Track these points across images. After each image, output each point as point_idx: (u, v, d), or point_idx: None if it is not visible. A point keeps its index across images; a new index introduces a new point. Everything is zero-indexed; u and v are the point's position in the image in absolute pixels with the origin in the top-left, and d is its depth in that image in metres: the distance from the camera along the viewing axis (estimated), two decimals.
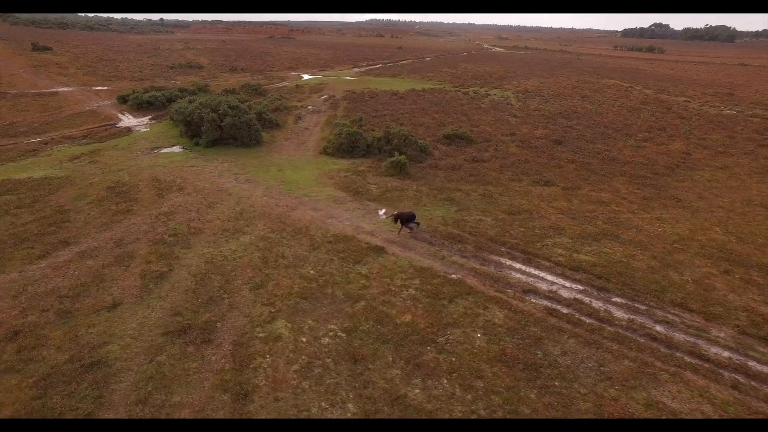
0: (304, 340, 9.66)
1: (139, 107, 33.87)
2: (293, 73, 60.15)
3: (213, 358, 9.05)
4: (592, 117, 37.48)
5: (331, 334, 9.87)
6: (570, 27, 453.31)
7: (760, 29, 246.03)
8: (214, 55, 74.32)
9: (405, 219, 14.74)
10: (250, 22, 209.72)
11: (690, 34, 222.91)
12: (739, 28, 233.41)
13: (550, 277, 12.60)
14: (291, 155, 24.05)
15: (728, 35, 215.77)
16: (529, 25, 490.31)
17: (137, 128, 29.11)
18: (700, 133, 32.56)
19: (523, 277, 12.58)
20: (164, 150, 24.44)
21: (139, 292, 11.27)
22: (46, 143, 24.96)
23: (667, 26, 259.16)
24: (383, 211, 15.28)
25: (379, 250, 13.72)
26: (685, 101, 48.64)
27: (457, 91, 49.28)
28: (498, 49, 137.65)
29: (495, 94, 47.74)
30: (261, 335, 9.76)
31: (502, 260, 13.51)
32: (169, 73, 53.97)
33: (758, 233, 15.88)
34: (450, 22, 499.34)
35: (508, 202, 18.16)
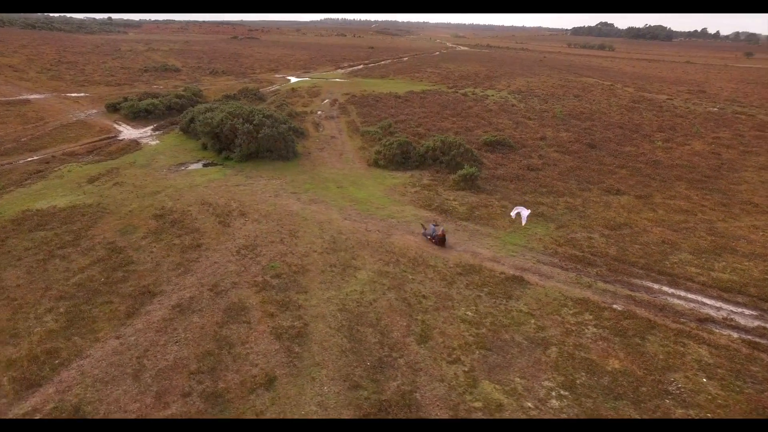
0: (530, 405, 8.16)
1: (136, 116, 30.36)
2: (278, 76, 57.16)
3: None
4: (600, 117, 37.74)
5: (553, 393, 8.42)
6: (521, 25, 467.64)
7: (692, 29, 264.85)
8: (184, 57, 69.45)
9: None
10: (204, 22, 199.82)
11: (633, 33, 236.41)
12: (674, 29, 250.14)
13: (709, 301, 11.76)
14: (338, 168, 22.08)
15: (666, 34, 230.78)
16: (481, 23, 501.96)
17: (144, 141, 25.91)
18: (707, 132, 33.43)
19: (684, 303, 11.66)
20: (192, 166, 21.72)
21: (287, 357, 9.26)
22: (48, 162, 21.49)
23: (612, 25, 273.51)
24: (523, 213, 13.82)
25: (519, 280, 12.36)
26: (668, 99, 50.35)
27: (455, 93, 48.48)
28: (462, 47, 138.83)
29: (492, 95, 47.31)
30: (476, 404, 8.15)
31: (647, 284, 12.55)
32: (144, 76, 49.53)
33: None
34: (405, 21, 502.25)
35: (598, 215, 17.30)
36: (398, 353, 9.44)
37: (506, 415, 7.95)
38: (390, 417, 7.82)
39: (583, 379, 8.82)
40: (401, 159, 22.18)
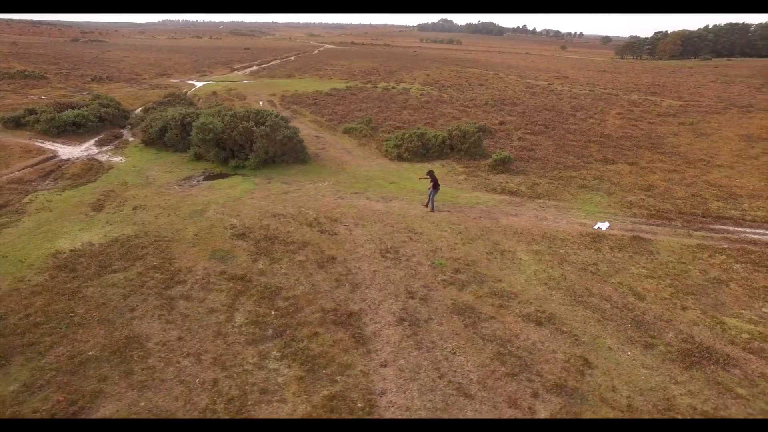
0: None
1: (61, 131, 24.46)
2: (174, 80, 50.90)
3: None
4: (520, 103, 42.32)
5: None
6: (368, 23, 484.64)
7: (514, 26, 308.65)
8: (32, 63, 56.85)
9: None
10: (11, 21, 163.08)
11: (471, 29, 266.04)
12: (501, 25, 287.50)
13: None
14: (367, 165, 21.25)
15: (498, 30, 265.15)
16: (330, 22, 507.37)
17: (104, 159, 21.21)
18: (608, 110, 40.18)
19: (761, 236, 14.59)
20: (203, 180, 18.66)
21: (568, 338, 9.21)
22: None
23: (451, 21, 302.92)
24: (602, 225, 15.09)
25: (639, 239, 14.00)
26: (548, 84, 58.41)
27: (375, 88, 49.24)
28: (330, 45, 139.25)
29: (410, 88, 48.98)
30: (744, 336, 9.38)
31: (721, 227, 15.32)
32: (2, 85, 39.70)
33: None
34: (252, 21, 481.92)
35: (623, 181, 20.07)
36: (637, 311, 10.13)
37: None
38: (712, 358, 8.52)
39: None
40: (423, 150, 22.33)
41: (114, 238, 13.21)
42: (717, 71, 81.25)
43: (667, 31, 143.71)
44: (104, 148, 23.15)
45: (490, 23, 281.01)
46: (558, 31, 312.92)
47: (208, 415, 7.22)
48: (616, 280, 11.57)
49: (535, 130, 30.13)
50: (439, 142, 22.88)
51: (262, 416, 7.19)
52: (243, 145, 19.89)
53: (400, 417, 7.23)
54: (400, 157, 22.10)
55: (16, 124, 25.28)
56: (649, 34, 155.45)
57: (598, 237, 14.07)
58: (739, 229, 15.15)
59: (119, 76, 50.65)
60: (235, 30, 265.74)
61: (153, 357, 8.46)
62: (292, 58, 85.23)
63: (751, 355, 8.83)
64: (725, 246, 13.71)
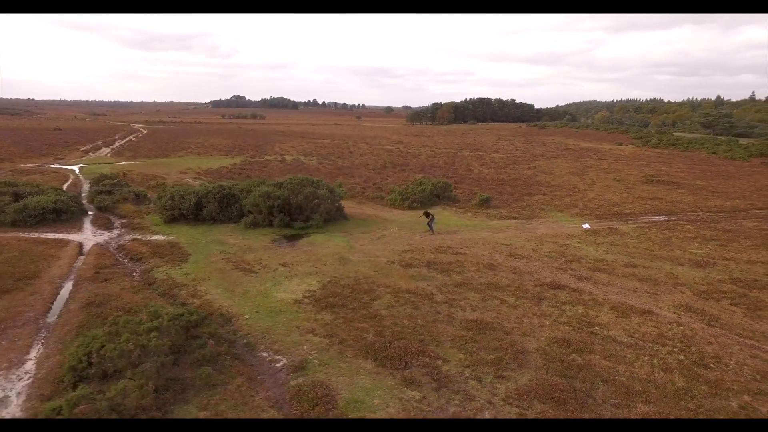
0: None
1: (39, 221, 21.57)
2: (29, 165, 43.82)
3: None
4: (403, 163, 51.19)
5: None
6: (152, 101, 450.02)
7: (305, 100, 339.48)
8: None
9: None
10: None
11: (267, 104, 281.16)
12: (293, 99, 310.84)
13: (661, 217, 26.27)
14: (395, 215, 25.97)
15: (293, 104, 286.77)
16: (106, 100, 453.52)
17: (143, 239, 20.39)
18: (471, 163, 52.90)
19: (659, 218, 25.67)
20: (291, 241, 20.49)
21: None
22: (107, 279, 15.41)
23: (243, 98, 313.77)
24: (586, 225, 23.97)
25: (613, 228, 23.23)
26: (397, 149, 69.21)
27: (268, 160, 51.54)
28: (139, 125, 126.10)
29: (300, 159, 52.94)
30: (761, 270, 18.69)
31: (634, 218, 26.01)
32: None
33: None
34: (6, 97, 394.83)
35: (558, 204, 30.12)
36: (661, 254, 18.57)
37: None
38: (712, 263, 17.21)
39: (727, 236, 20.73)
40: (421, 199, 28.38)
41: (318, 285, 15.21)
42: (490, 132, 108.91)
43: (441, 103, 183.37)
44: (116, 232, 21.60)
45: (282, 98, 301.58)
46: (345, 104, 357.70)
47: (576, 324, 11.85)
48: (631, 245, 20.06)
49: (456, 181, 39.19)
50: (428, 193, 29.33)
51: (603, 319, 12.23)
52: (303, 208, 22.39)
53: (651, 307, 13.27)
54: (410, 207, 27.60)
55: None
56: (417, 105, 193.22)
57: (593, 231, 22.72)
58: (641, 218, 26.16)
59: None
60: None
61: (505, 328, 12.32)
62: (133, 137, 78.96)
63: (712, 260, 18.02)
64: (647, 226, 24.07)
